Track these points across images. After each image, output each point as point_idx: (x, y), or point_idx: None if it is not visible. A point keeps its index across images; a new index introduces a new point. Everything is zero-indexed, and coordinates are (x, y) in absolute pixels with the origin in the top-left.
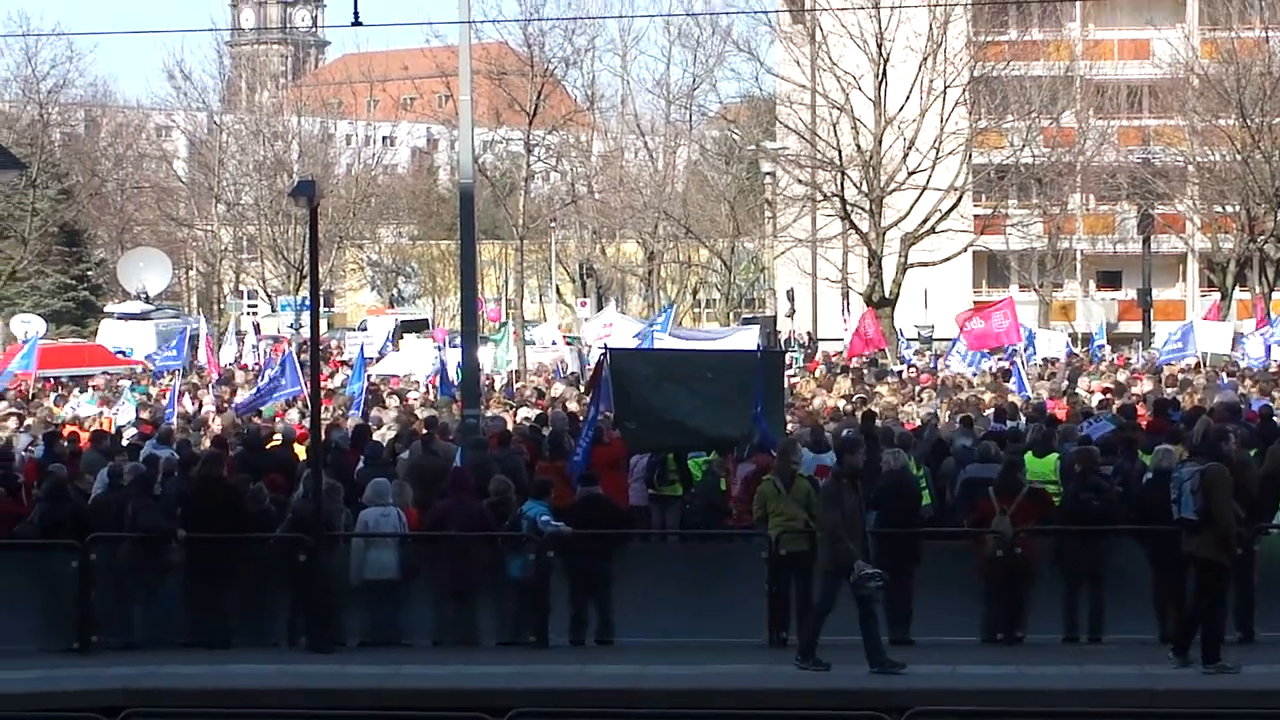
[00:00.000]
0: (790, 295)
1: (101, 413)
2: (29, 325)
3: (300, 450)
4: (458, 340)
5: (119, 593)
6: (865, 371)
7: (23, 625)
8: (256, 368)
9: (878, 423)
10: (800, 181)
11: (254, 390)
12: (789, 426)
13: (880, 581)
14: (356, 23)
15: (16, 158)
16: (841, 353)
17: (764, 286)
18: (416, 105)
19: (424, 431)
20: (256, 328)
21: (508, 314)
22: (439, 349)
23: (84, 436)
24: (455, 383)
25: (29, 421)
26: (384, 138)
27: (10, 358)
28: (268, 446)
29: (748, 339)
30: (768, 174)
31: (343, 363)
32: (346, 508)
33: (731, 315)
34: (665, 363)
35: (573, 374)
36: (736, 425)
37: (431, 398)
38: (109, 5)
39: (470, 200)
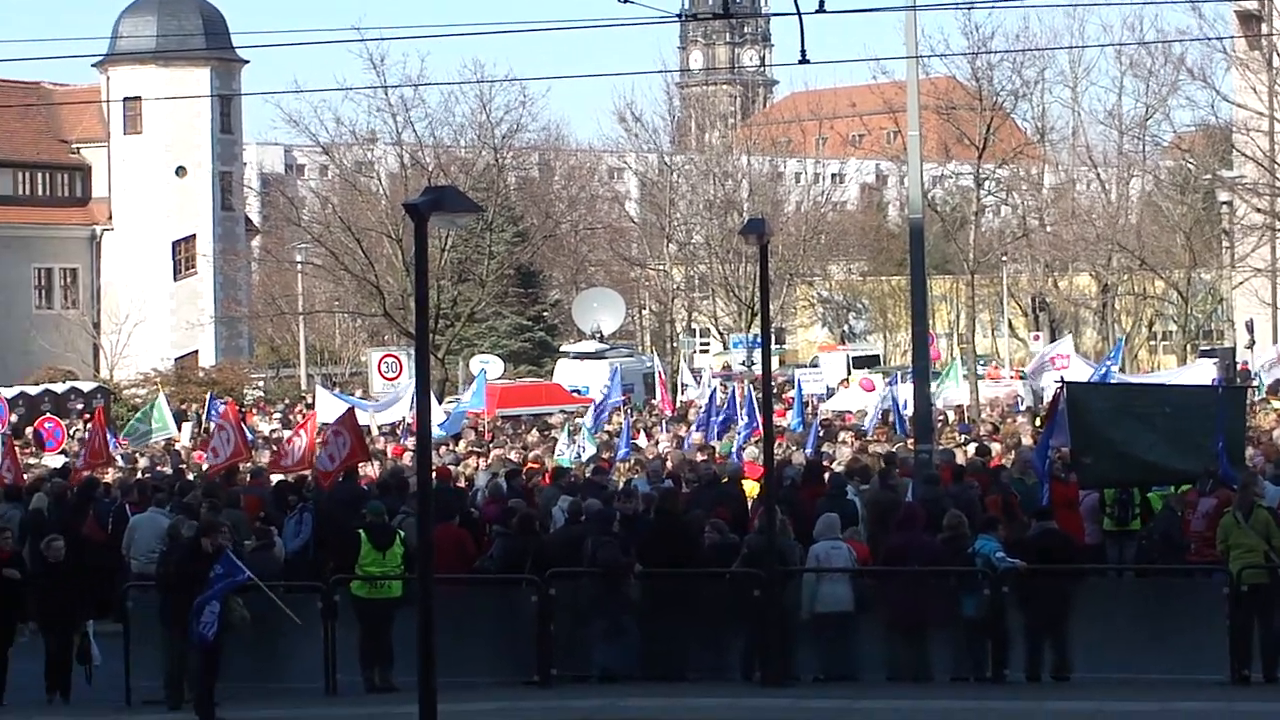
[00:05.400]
0: (1249, 326)
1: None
2: (487, 365)
3: (752, 486)
4: (908, 376)
5: (578, 627)
6: None
7: (485, 658)
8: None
9: None
10: (1259, 210)
11: (699, 425)
12: (1250, 461)
13: None
14: (804, 61)
15: (474, 201)
16: None
17: (1222, 318)
18: (865, 142)
19: (881, 467)
20: (728, 368)
21: (958, 349)
22: (890, 384)
23: (547, 473)
24: (906, 418)
25: (489, 460)
26: (833, 175)
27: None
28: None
29: (1201, 373)
30: (1224, 203)
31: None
32: (798, 543)
33: (1189, 348)
34: (1123, 396)
35: (1028, 408)
36: (1196, 460)
37: (885, 434)
38: (559, 50)
39: (920, 235)
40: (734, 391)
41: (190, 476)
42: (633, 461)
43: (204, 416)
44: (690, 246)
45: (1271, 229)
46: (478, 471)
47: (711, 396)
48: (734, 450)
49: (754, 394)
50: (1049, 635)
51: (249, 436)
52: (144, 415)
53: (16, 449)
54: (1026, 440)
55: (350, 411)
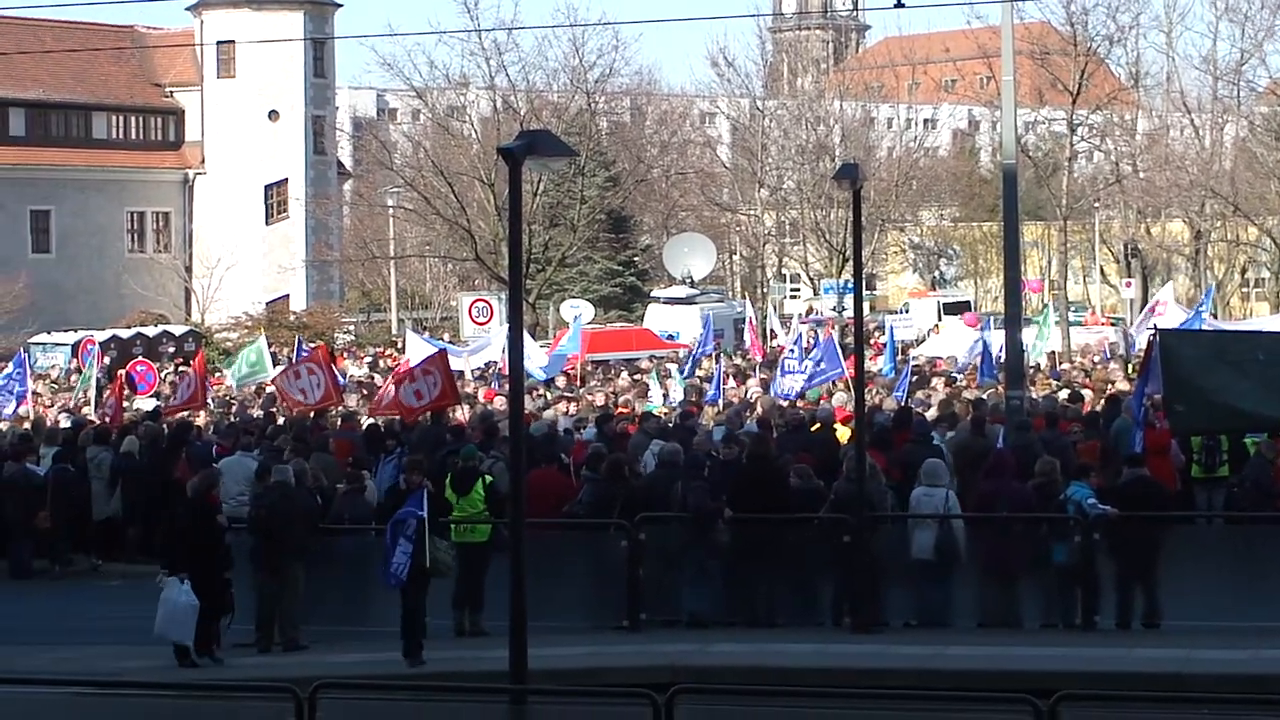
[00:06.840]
0: None
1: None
2: (578, 310)
3: (843, 432)
4: (1000, 322)
5: (667, 571)
6: None
7: (575, 602)
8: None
9: None
10: None
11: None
12: None
13: None
14: (899, 4)
15: (568, 145)
16: None
17: None
18: (958, 87)
19: (970, 413)
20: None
21: (1050, 295)
22: (983, 329)
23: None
24: (997, 365)
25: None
26: (925, 120)
27: (559, 342)
28: (812, 429)
29: None
30: None
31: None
32: (890, 489)
33: None
34: (1216, 343)
35: (1119, 355)
36: None
37: (976, 380)
38: None
39: (1013, 181)
40: (820, 336)
41: (280, 420)
42: (722, 406)
43: (293, 360)
44: (781, 192)
45: None
46: (560, 417)
47: (798, 340)
48: (810, 394)
49: (835, 339)
50: (1140, 582)
51: (340, 380)
52: (255, 356)
53: (121, 392)
54: (1122, 385)
55: (442, 353)
